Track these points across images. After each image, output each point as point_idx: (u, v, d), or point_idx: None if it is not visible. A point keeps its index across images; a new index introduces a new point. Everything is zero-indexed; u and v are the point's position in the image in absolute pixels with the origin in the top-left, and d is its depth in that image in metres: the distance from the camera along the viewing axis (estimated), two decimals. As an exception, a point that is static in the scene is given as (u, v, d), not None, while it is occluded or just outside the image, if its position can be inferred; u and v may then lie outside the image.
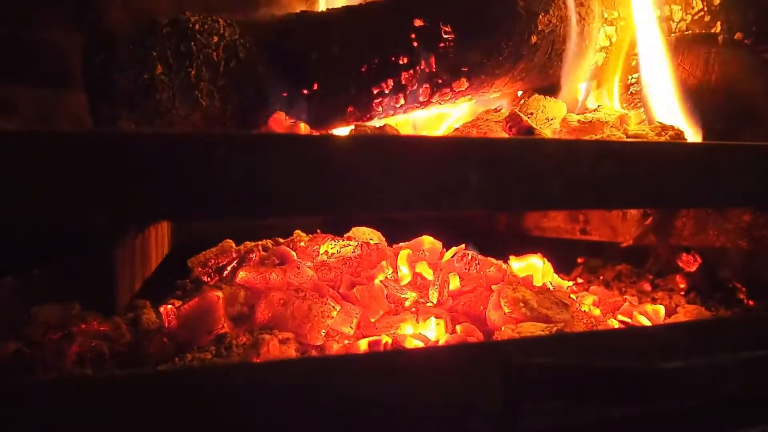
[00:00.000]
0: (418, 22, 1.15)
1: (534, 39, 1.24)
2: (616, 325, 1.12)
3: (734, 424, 0.85)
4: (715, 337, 0.85)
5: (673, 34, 1.33)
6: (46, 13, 1.50)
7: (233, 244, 1.23)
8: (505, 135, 1.10)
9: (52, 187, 0.60)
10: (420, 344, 0.95)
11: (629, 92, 1.34)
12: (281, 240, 1.28)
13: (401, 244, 1.28)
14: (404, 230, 1.30)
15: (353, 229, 1.32)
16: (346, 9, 1.20)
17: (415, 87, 1.17)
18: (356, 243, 1.18)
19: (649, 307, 1.18)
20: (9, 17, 1.48)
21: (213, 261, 1.19)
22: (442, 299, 1.09)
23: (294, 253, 1.16)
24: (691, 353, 0.82)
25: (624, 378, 0.78)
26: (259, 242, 1.25)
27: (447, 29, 1.16)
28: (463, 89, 1.22)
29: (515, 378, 0.73)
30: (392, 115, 1.23)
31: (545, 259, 1.26)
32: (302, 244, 1.22)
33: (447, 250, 1.25)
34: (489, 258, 1.19)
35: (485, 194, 0.75)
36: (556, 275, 1.31)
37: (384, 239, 1.32)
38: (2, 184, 0.59)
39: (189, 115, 1.05)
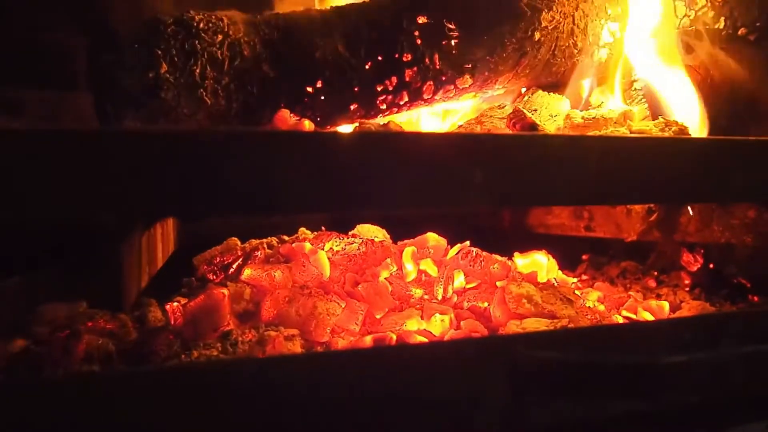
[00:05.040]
0: (421, 20, 1.15)
1: (537, 35, 1.24)
2: (620, 320, 1.12)
3: (739, 420, 0.85)
4: (719, 332, 0.85)
5: (676, 30, 1.33)
6: (52, 14, 1.51)
7: (238, 242, 1.24)
8: (508, 131, 1.10)
9: (59, 185, 0.61)
10: (425, 340, 0.95)
11: (632, 88, 1.34)
12: (286, 237, 1.28)
13: (406, 241, 1.28)
14: (409, 227, 1.30)
15: (358, 226, 1.32)
16: (351, 7, 1.20)
17: (419, 84, 1.17)
18: (361, 240, 1.19)
19: (653, 303, 1.18)
20: (14, 19, 1.49)
21: (218, 259, 1.20)
22: (447, 296, 1.09)
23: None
24: (696, 349, 0.82)
25: (628, 373, 0.78)
26: (264, 240, 1.26)
27: (451, 26, 1.16)
28: (467, 86, 1.22)
29: (520, 373, 0.74)
30: (396, 112, 1.23)
31: (550, 256, 1.26)
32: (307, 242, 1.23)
33: (451, 247, 1.25)
34: (493, 255, 1.19)
35: (489, 190, 0.75)
36: (560, 272, 1.31)
37: (389, 236, 1.33)
38: (8, 182, 0.59)
39: (194, 113, 1.05)
